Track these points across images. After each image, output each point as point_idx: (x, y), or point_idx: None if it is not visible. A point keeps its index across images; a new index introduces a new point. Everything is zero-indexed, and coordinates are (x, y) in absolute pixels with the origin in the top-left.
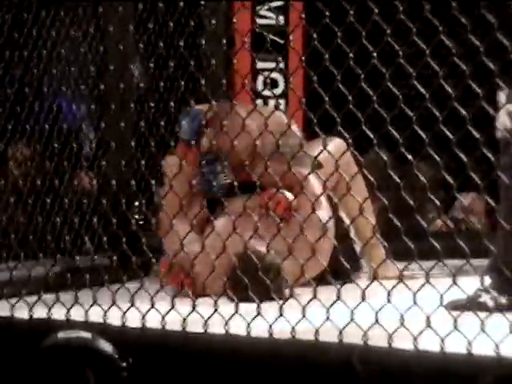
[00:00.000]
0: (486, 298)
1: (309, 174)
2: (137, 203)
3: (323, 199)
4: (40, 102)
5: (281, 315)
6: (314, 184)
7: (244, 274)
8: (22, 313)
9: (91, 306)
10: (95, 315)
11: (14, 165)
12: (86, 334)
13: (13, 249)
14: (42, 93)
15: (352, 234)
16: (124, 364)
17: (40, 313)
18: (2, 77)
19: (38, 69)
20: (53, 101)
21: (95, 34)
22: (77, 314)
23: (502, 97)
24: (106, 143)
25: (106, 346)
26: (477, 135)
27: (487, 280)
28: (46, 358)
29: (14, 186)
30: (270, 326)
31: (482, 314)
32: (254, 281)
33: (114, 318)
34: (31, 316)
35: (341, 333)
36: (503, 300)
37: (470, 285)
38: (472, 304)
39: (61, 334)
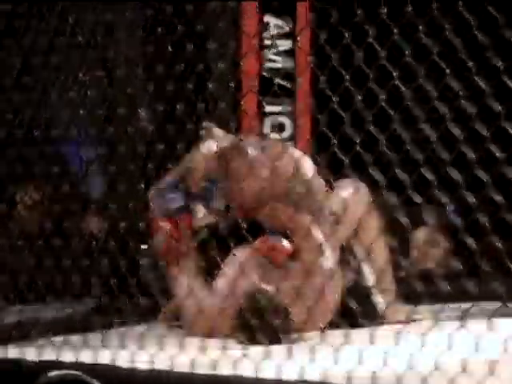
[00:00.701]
0: None
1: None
2: (144, 246)
3: (327, 248)
4: (48, 145)
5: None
6: (317, 232)
7: (252, 314)
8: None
9: (101, 348)
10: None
11: (23, 208)
12: (77, 373)
13: (21, 291)
14: (50, 136)
15: (370, 282)
16: None
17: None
18: (12, 120)
19: (46, 112)
20: (61, 144)
21: (103, 78)
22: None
23: None
24: (114, 186)
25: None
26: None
27: None
28: None
29: (23, 229)
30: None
31: None
32: (262, 321)
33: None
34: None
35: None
36: None
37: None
38: None
39: (52, 373)
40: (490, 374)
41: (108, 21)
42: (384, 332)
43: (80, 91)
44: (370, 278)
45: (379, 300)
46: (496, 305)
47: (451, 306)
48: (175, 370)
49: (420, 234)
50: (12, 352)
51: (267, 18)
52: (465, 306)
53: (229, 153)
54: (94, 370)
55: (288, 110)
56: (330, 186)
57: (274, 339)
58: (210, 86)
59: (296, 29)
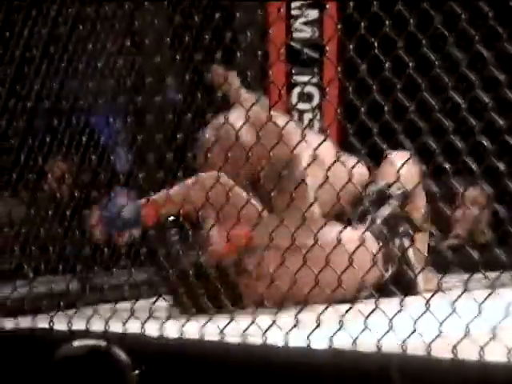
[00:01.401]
0: None
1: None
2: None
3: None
4: (76, 116)
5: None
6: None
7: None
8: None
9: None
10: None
11: (53, 178)
12: (101, 342)
13: (51, 262)
14: (77, 107)
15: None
16: (137, 371)
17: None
18: (39, 92)
19: (73, 82)
20: (89, 115)
21: (131, 48)
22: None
23: None
24: (143, 158)
25: (121, 354)
26: None
27: None
28: (62, 365)
29: (53, 200)
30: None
31: None
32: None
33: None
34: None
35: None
36: None
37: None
38: None
39: (76, 343)
40: None
41: None
42: (415, 301)
43: (108, 62)
44: (413, 258)
45: (420, 279)
46: None
47: (481, 275)
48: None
49: (470, 194)
50: (41, 321)
51: None
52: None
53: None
54: (122, 339)
55: (316, 79)
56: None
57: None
58: (238, 55)
59: None
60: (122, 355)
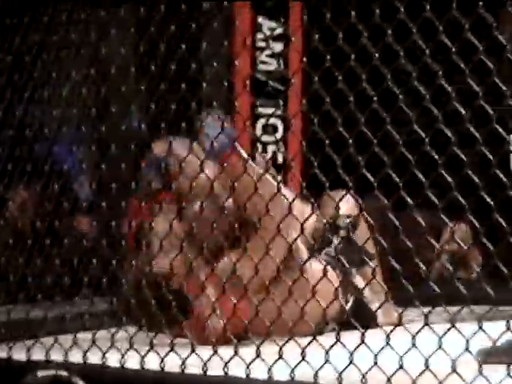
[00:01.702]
0: None
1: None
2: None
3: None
4: (39, 144)
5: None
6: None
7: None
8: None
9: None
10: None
11: (14, 207)
12: (64, 373)
13: (11, 291)
14: (41, 135)
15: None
16: None
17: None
18: (2, 119)
19: (37, 111)
20: (52, 143)
21: (96, 76)
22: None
23: None
24: (106, 186)
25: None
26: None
27: None
28: None
29: (13, 228)
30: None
31: None
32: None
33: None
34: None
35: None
36: None
37: (468, 331)
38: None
39: (40, 373)
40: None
41: (101, 19)
42: (376, 334)
43: (72, 90)
44: (362, 285)
45: (379, 311)
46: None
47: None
48: (165, 371)
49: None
50: (0, 351)
51: (260, 20)
52: (456, 308)
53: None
54: (82, 370)
55: (280, 112)
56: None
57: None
58: (204, 86)
59: (289, 30)
60: None
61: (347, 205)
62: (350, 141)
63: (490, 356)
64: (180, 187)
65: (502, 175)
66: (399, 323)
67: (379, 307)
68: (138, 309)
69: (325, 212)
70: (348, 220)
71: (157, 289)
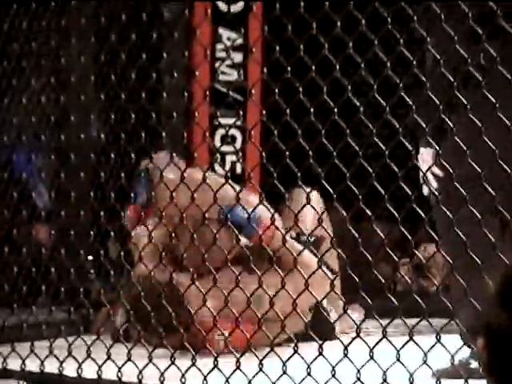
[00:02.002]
0: (476, 365)
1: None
2: (90, 257)
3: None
4: None
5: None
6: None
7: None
8: None
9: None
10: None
11: None
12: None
13: None
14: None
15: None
16: None
17: None
18: None
19: None
20: (10, 151)
21: (55, 85)
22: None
23: (425, 154)
24: (65, 195)
25: None
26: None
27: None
28: None
29: None
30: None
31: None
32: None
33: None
34: None
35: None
36: None
37: (425, 343)
38: (463, 371)
39: None
40: None
41: (62, 28)
42: (334, 345)
43: (32, 98)
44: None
45: (337, 323)
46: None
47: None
48: (123, 380)
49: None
50: None
51: (220, 31)
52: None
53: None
54: (40, 379)
55: (239, 122)
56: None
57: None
58: (163, 96)
59: (249, 41)
60: None
61: (310, 216)
62: (310, 152)
63: (448, 373)
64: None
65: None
66: (357, 335)
67: (337, 319)
68: (137, 320)
69: (287, 224)
70: (312, 239)
71: (157, 299)
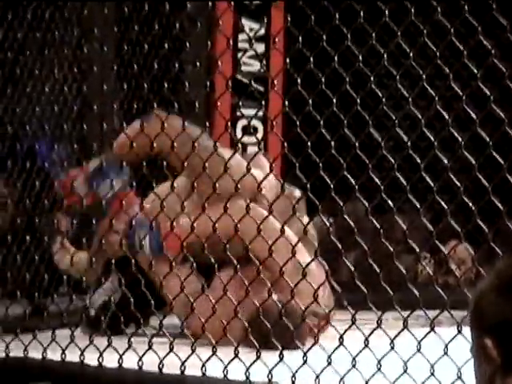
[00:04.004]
0: None
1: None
2: None
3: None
4: (20, 141)
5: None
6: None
7: (267, 319)
8: None
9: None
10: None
11: None
12: None
13: None
14: (22, 132)
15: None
16: None
17: None
18: None
19: (18, 108)
20: (33, 140)
21: (78, 75)
22: None
23: None
24: None
25: None
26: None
27: None
28: None
29: None
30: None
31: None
32: (276, 327)
33: None
34: None
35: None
36: None
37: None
38: None
39: None
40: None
41: (84, 19)
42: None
43: (54, 88)
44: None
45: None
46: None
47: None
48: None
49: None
50: None
51: (243, 21)
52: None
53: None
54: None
55: (261, 113)
56: None
57: (288, 344)
58: (185, 86)
59: (271, 32)
60: None
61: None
62: (332, 142)
63: None
64: None
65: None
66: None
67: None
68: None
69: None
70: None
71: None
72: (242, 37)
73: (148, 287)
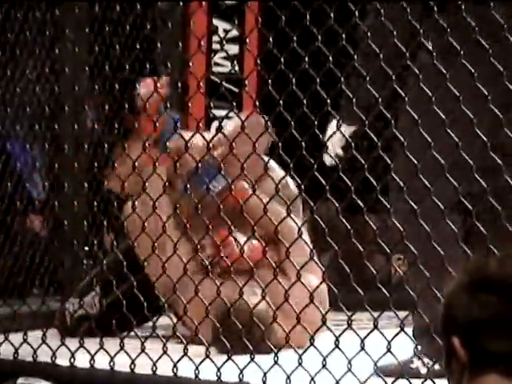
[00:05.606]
0: (418, 364)
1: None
2: (87, 248)
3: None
4: None
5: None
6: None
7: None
8: None
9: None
10: None
11: None
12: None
13: None
14: None
15: None
16: None
17: None
18: None
19: None
20: (4, 142)
21: (50, 75)
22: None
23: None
24: (59, 185)
25: None
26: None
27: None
28: None
29: None
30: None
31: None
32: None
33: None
34: None
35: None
36: (436, 366)
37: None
38: (404, 370)
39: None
40: None
41: (56, 19)
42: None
43: (27, 89)
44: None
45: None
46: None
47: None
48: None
49: None
50: None
51: (216, 22)
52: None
53: None
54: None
55: (234, 113)
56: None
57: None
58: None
59: (244, 33)
60: None
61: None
62: (303, 143)
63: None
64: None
65: None
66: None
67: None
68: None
69: None
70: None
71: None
72: (215, 38)
73: (144, 292)
